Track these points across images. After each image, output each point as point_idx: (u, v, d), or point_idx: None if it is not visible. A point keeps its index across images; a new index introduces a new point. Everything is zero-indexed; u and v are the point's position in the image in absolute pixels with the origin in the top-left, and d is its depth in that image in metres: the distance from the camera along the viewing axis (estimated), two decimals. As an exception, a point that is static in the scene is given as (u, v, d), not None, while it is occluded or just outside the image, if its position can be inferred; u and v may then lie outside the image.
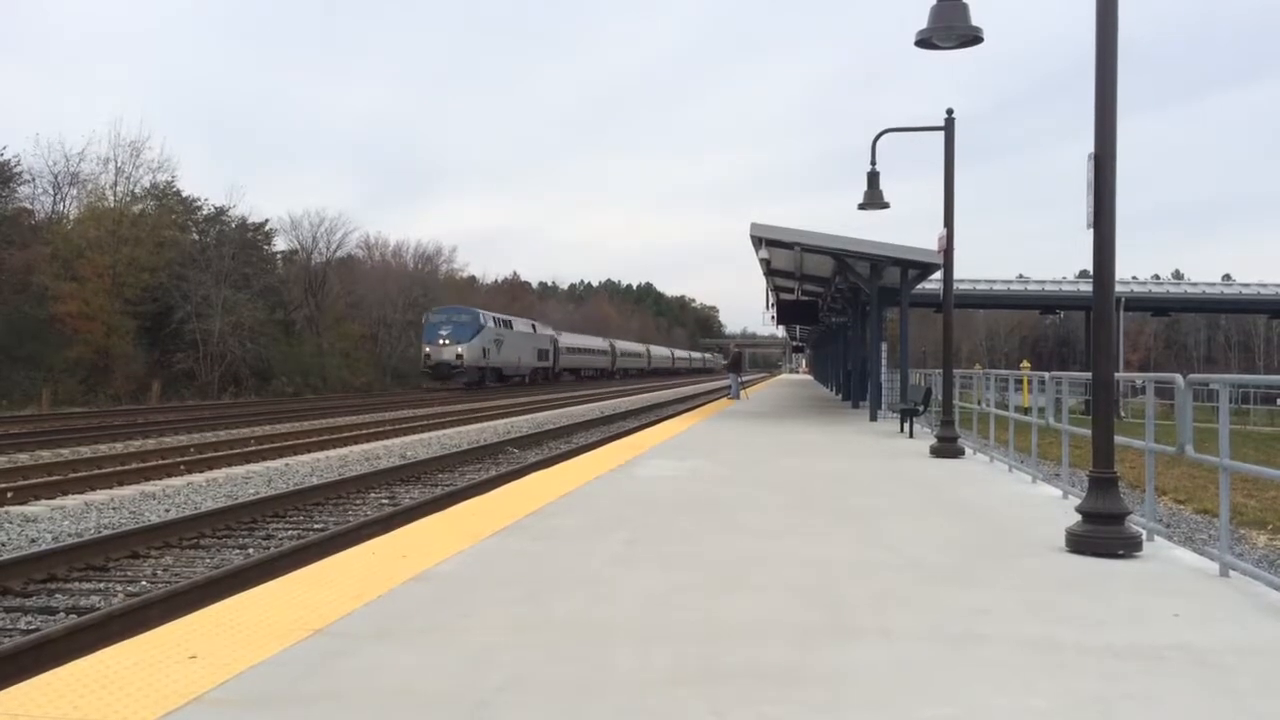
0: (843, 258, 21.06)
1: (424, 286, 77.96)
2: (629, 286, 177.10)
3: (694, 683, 3.76)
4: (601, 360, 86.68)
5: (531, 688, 3.68)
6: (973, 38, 10.36)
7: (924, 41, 10.46)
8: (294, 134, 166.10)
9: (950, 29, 10.26)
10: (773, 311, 33.84)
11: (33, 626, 7.17)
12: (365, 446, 20.52)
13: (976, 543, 6.89)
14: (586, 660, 4.01)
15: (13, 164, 44.56)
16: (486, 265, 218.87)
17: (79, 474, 14.71)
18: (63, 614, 7.53)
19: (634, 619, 4.66)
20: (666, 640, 4.30)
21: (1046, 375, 10.70)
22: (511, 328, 59.49)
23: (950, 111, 13.82)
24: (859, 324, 26.81)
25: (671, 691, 3.67)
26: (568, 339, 75.49)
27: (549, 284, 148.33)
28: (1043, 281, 46.77)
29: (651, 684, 3.74)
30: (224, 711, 3.40)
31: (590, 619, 4.66)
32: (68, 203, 49.51)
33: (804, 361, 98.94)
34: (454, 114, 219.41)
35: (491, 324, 55.39)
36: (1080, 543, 6.41)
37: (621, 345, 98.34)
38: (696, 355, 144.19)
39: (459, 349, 51.41)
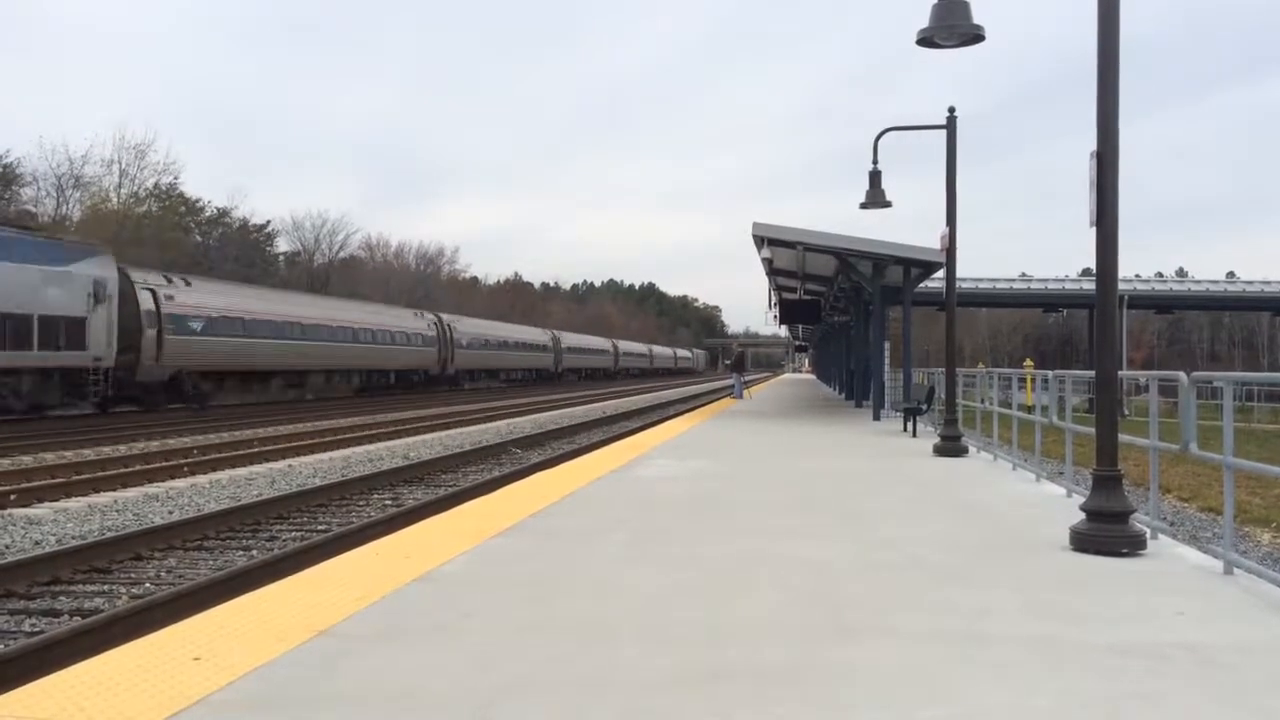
0: (845, 257, 21.05)
1: (426, 287, 78.19)
2: (631, 287, 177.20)
3: (698, 683, 3.76)
4: (372, 355, 41.86)
5: (536, 688, 3.68)
6: (974, 36, 10.35)
7: (925, 40, 10.45)
8: (297, 135, 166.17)
9: (952, 28, 10.25)
10: (775, 311, 33.84)
11: (37, 629, 7.18)
12: (368, 448, 20.53)
13: (980, 542, 6.89)
14: (590, 661, 4.01)
15: (15, 167, 44.77)
16: (489, 266, 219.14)
17: (82, 476, 14.72)
18: (67, 616, 7.53)
19: (637, 619, 4.66)
20: (670, 641, 4.30)
21: (1050, 374, 10.69)
22: None
23: (952, 110, 13.81)
24: (861, 323, 26.79)
25: (675, 692, 3.67)
26: (199, 295, 31.19)
27: (551, 285, 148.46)
28: (1045, 280, 46.70)
29: (655, 684, 3.74)
30: (228, 714, 3.40)
31: (594, 619, 4.66)
32: (70, 205, 49.69)
33: (807, 361, 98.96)
34: (457, 114, 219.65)
35: None
36: (1084, 541, 6.41)
37: (465, 327, 53.08)
38: (637, 348, 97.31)
39: None
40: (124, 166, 50.47)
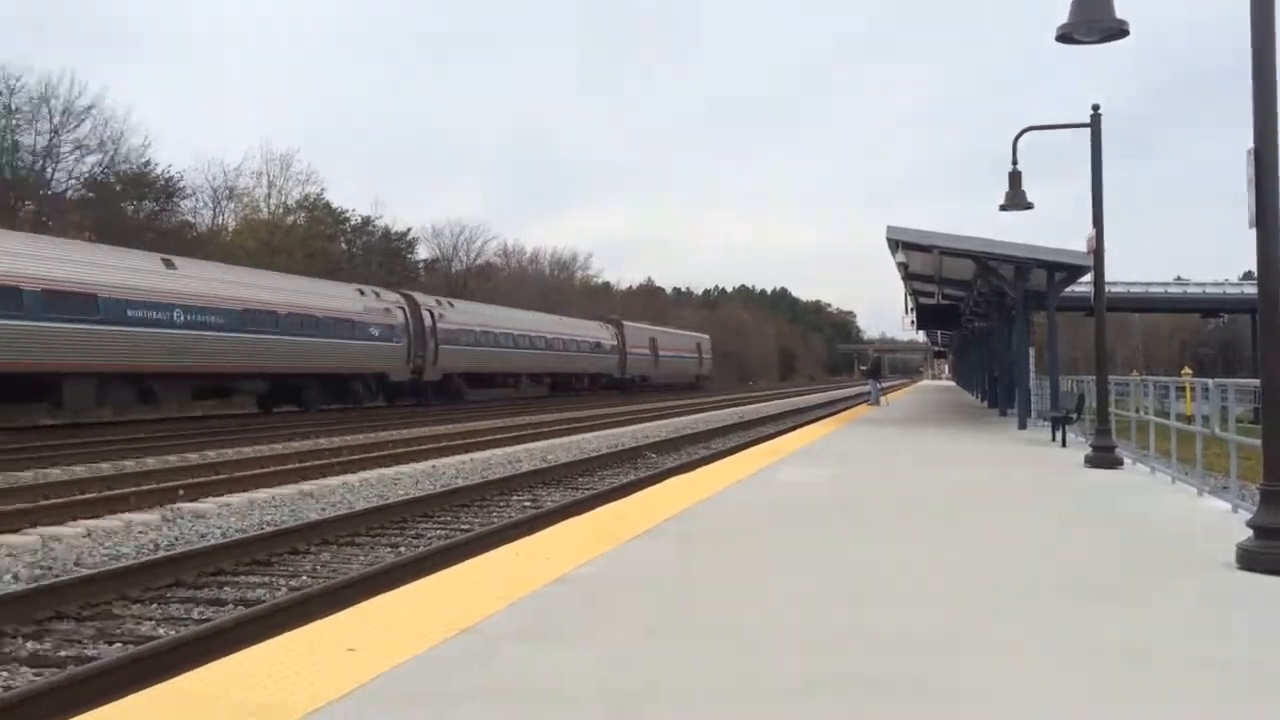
0: (984, 260, 20.42)
1: (559, 292, 79.54)
2: (763, 292, 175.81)
3: (832, 690, 3.72)
4: None
5: (671, 691, 3.71)
6: (1117, 30, 9.88)
7: (1065, 36, 10.03)
8: (438, 144, 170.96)
9: (1092, 22, 9.79)
10: (912, 316, 33.13)
11: (205, 616, 7.63)
12: (507, 450, 21.00)
13: (1139, 558, 6.58)
14: (726, 665, 4.01)
15: (177, 179, 47.59)
16: (621, 272, 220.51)
17: (243, 473, 15.55)
18: (231, 605, 7.97)
19: (772, 625, 4.63)
20: (804, 647, 4.26)
21: (1210, 382, 10.12)
22: None
23: (1096, 108, 13.21)
24: (1004, 328, 25.93)
25: (809, 699, 3.64)
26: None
27: (683, 290, 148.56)
28: (1203, 283, 44.17)
29: (789, 691, 3.72)
30: (380, 704, 3.55)
31: (729, 624, 4.66)
32: (226, 215, 52.56)
33: (946, 367, 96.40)
34: (592, 123, 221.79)
35: None
36: (1253, 559, 6.04)
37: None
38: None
39: None
40: (271, 178, 53.15)
